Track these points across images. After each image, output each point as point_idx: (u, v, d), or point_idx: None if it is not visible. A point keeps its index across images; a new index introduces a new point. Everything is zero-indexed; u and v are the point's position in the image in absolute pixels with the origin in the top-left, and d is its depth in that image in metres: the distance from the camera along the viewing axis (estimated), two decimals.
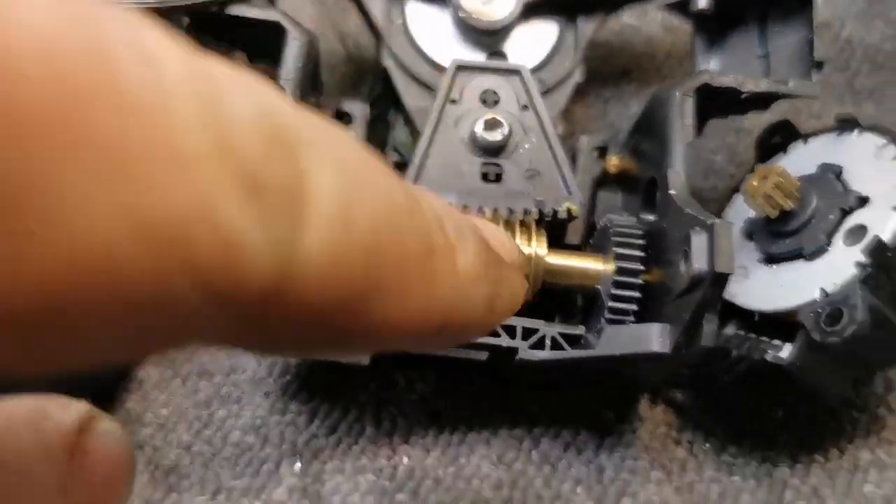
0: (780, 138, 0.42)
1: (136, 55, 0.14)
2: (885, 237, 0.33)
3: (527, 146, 0.40)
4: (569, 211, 0.38)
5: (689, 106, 0.37)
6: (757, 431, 0.39)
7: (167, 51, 0.15)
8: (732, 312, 0.38)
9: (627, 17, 0.52)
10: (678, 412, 0.40)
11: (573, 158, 0.43)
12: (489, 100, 0.41)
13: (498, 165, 0.39)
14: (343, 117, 0.42)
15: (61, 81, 0.13)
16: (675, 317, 0.33)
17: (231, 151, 0.15)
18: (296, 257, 0.17)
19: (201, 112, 0.15)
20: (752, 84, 0.38)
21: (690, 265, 0.31)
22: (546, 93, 0.44)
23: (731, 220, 0.40)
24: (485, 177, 0.39)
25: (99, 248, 0.14)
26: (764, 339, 0.36)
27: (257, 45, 0.38)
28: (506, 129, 0.39)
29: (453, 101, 0.41)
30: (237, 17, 0.37)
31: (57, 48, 0.13)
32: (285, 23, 0.37)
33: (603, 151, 0.43)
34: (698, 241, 0.31)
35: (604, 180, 0.43)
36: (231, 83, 0.16)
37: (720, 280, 0.31)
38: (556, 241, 0.40)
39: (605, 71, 0.50)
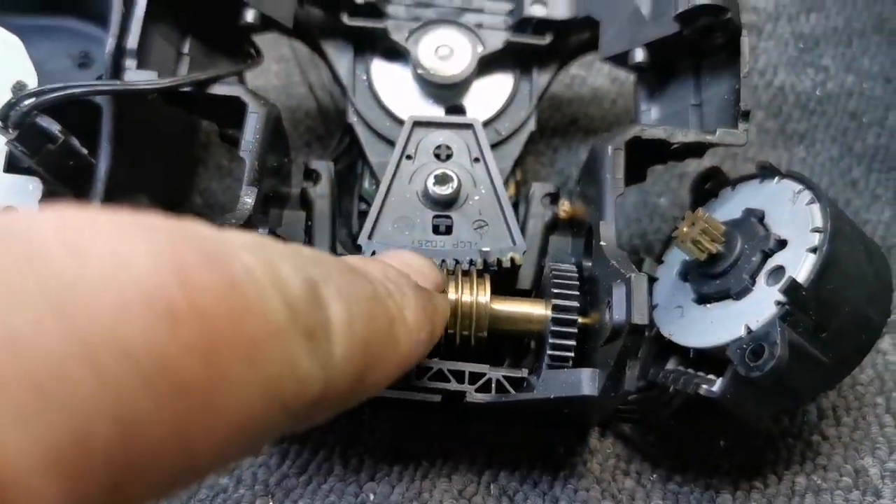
0: (712, 184, 0.42)
1: (246, 275, 0.20)
2: (800, 277, 0.34)
3: (476, 198, 0.41)
4: (512, 260, 0.39)
5: (620, 160, 0.38)
6: (701, 461, 0.40)
7: (244, 250, 0.20)
8: (672, 349, 0.38)
9: (576, 69, 0.52)
10: (626, 444, 0.40)
11: (520, 205, 0.44)
12: (442, 154, 0.42)
13: (448, 217, 0.40)
14: (311, 174, 0.42)
15: (226, 310, 0.19)
16: (603, 362, 0.34)
17: (296, 314, 0.21)
18: (332, 368, 0.22)
19: (279, 295, 0.20)
20: (681, 135, 0.39)
21: (611, 316, 0.32)
22: (501, 142, 0.45)
23: (670, 263, 0.41)
24: (436, 229, 0.40)
25: (243, 407, 0.19)
26: (700, 373, 0.37)
27: (224, 116, 0.40)
28: (455, 183, 0.40)
29: (409, 157, 0.42)
30: (206, 95, 0.38)
31: (207, 294, 0.19)
32: (245, 98, 0.38)
33: (554, 198, 0.43)
34: (619, 294, 0.32)
35: (555, 225, 0.43)
36: (277, 256, 0.21)
37: (637, 330, 0.31)
38: (508, 287, 0.41)
39: (555, 120, 0.51)
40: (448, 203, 0.40)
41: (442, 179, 0.40)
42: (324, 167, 0.42)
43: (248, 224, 0.35)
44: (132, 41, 0.37)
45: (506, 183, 0.44)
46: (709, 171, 0.43)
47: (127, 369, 0.16)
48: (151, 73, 0.37)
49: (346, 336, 0.23)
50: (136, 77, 0.37)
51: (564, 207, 0.43)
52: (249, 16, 0.40)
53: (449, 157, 0.42)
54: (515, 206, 0.44)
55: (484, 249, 0.39)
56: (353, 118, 0.44)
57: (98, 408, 0.16)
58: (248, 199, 0.36)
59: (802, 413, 0.41)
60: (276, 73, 0.53)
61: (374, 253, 0.38)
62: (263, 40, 0.51)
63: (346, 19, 0.44)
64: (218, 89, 0.38)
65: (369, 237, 0.39)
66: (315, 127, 0.51)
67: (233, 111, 0.38)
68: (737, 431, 0.40)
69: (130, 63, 0.37)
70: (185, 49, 0.40)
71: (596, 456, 0.40)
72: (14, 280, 0.16)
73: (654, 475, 0.40)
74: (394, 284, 0.28)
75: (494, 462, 0.39)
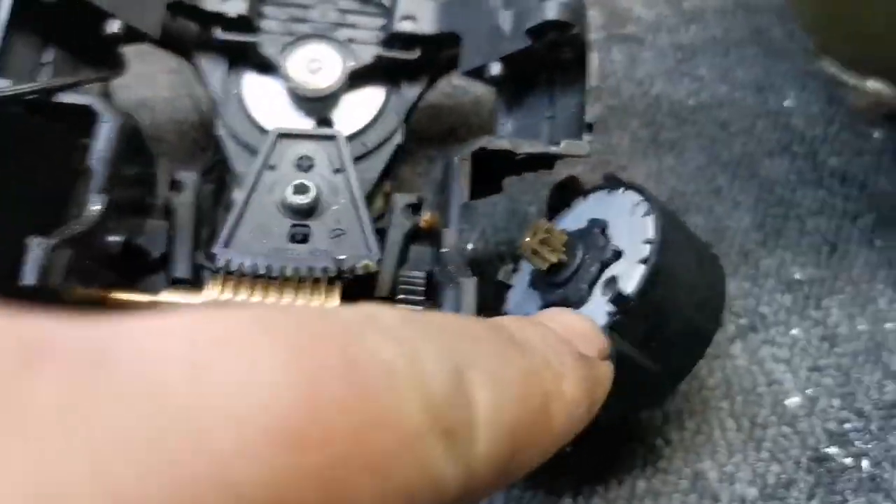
0: (568, 193, 0.43)
1: (381, 377, 0.18)
2: (630, 288, 0.35)
3: (335, 208, 0.41)
4: (366, 267, 0.39)
5: (466, 169, 0.39)
6: (544, 466, 0.40)
7: (386, 342, 0.18)
8: None
9: (457, 80, 0.53)
10: None
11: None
12: (304, 165, 0.42)
13: (306, 227, 0.40)
14: (177, 185, 0.42)
15: (356, 426, 0.17)
16: None
17: (436, 416, 0.18)
18: (473, 465, 0.19)
19: (419, 395, 0.18)
20: (527, 146, 0.40)
21: None
22: (367, 155, 0.45)
23: (524, 271, 0.42)
24: (293, 238, 0.40)
25: None
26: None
27: (83, 126, 0.39)
28: (313, 193, 0.40)
29: (271, 167, 0.42)
30: (58, 103, 0.39)
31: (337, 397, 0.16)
32: (97, 106, 0.38)
33: (416, 208, 0.44)
34: (449, 298, 0.33)
35: (417, 235, 0.44)
36: (422, 341, 0.19)
37: None
38: (366, 294, 0.41)
39: (433, 130, 0.52)
40: (306, 212, 0.41)
41: (300, 189, 0.41)
42: (189, 177, 0.43)
43: (95, 232, 0.35)
44: None
45: (373, 194, 0.45)
46: (566, 181, 0.43)
47: None
48: (6, 81, 0.37)
49: (491, 427, 0.20)
50: None
51: (426, 217, 0.43)
52: (114, 26, 0.40)
53: (311, 167, 0.42)
54: (382, 216, 0.45)
55: (339, 258, 0.40)
56: (221, 130, 0.45)
57: None
58: (93, 206, 0.36)
59: (648, 418, 0.42)
60: (165, 84, 0.53)
61: (228, 261, 0.38)
62: (153, 53, 0.52)
63: (218, 33, 0.45)
64: (70, 98, 0.39)
65: (226, 245, 0.39)
66: (200, 139, 0.51)
67: (90, 121, 0.38)
68: (583, 436, 0.41)
69: None
70: (48, 59, 0.41)
71: None
72: (125, 414, 0.14)
73: None
74: (553, 353, 0.25)
75: None
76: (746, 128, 0.53)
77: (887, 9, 0.46)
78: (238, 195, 0.42)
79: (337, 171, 0.42)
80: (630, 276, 0.35)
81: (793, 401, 0.43)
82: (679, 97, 0.54)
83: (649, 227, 0.36)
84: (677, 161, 0.51)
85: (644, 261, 0.35)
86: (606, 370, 0.30)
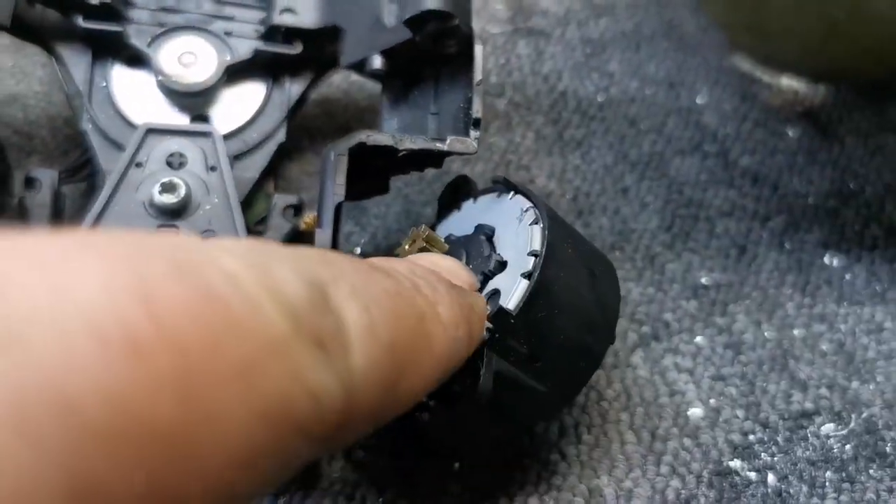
0: (459, 194, 0.40)
1: (229, 285, 0.17)
2: (511, 304, 0.32)
3: (208, 207, 0.39)
4: None
5: (342, 165, 0.36)
6: (431, 483, 0.38)
7: (228, 256, 0.18)
8: None
9: (355, 75, 0.50)
10: (356, 469, 0.38)
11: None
12: (175, 162, 0.39)
13: (175, 227, 0.37)
14: (32, 183, 0.39)
15: (206, 330, 0.16)
16: None
17: (299, 321, 0.18)
18: (353, 379, 0.19)
19: (276, 303, 0.18)
20: (409, 142, 0.37)
21: None
22: (247, 153, 0.43)
23: None
24: None
25: (241, 439, 0.16)
26: (424, 399, 0.35)
27: None
28: (182, 192, 0.38)
29: (139, 165, 0.39)
30: None
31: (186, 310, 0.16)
32: None
33: (298, 209, 0.41)
34: None
35: (298, 238, 0.41)
36: (271, 258, 0.19)
37: None
38: None
39: (327, 127, 0.49)
40: (175, 212, 0.38)
41: (169, 187, 0.38)
42: (46, 175, 0.39)
43: None
44: None
45: (254, 196, 0.42)
46: (457, 181, 0.41)
47: (71, 429, 0.13)
48: None
49: (366, 340, 0.20)
50: None
51: (306, 219, 0.41)
52: None
53: (182, 165, 0.40)
54: (264, 220, 0.42)
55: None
56: (87, 125, 0.42)
57: (40, 487, 0.13)
58: None
59: (543, 431, 0.39)
60: (40, 78, 0.50)
61: None
62: (30, 45, 0.48)
63: (80, 22, 0.42)
64: None
65: None
66: (75, 136, 0.48)
67: None
68: (472, 451, 0.38)
69: None
70: None
71: (322, 482, 0.38)
72: None
73: (381, 500, 0.37)
74: (422, 279, 0.25)
75: None
76: (656, 125, 0.50)
77: (792, 2, 0.44)
78: (100, 194, 0.39)
79: (211, 168, 0.40)
80: (512, 290, 0.32)
81: (695, 412, 0.40)
82: (587, 93, 0.52)
83: (536, 237, 0.33)
84: (583, 160, 0.49)
85: (528, 275, 0.32)
86: (480, 299, 0.30)
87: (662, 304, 0.44)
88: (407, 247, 0.35)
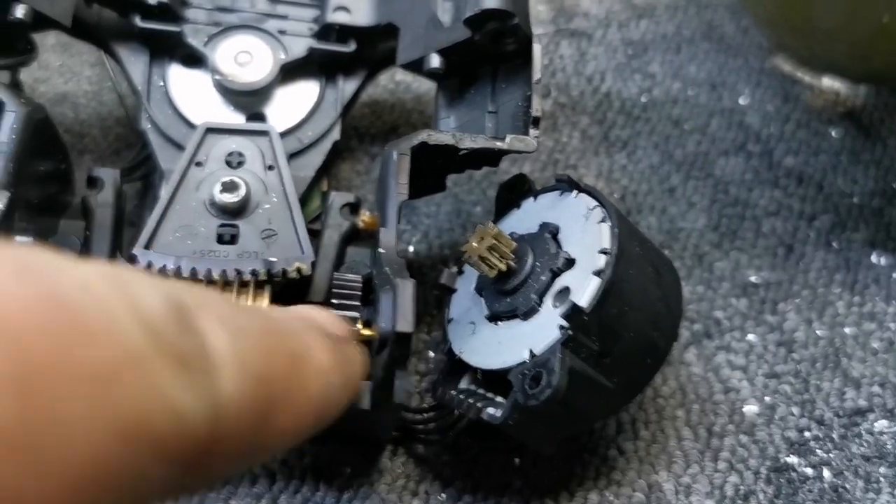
0: (516, 193, 0.41)
1: (80, 292, 0.17)
2: (583, 301, 0.32)
3: (267, 206, 0.39)
4: (298, 270, 0.37)
5: (405, 165, 0.36)
6: (493, 478, 0.38)
7: (84, 270, 0.17)
8: (465, 366, 0.37)
9: (401, 75, 0.51)
10: (419, 464, 0.39)
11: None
12: (234, 161, 0.40)
13: (235, 227, 0.38)
14: (95, 182, 0.39)
15: (52, 332, 0.16)
16: (375, 374, 0.32)
17: (158, 337, 0.18)
18: (219, 402, 0.19)
19: (133, 316, 0.17)
20: (470, 141, 0.37)
21: (380, 325, 0.30)
22: (302, 151, 0.43)
23: (469, 275, 0.39)
24: (220, 238, 0.37)
25: (90, 448, 0.16)
26: (489, 394, 0.35)
27: None
28: (243, 191, 0.38)
29: (199, 164, 0.39)
30: None
31: (35, 316, 0.16)
32: (2, 95, 0.35)
33: (354, 207, 0.41)
34: (385, 301, 0.30)
35: (355, 236, 0.41)
36: (133, 280, 0.19)
37: (403, 339, 0.30)
38: (300, 300, 0.39)
39: (374, 127, 0.49)
40: (235, 211, 0.38)
41: (229, 187, 0.38)
42: (108, 175, 0.40)
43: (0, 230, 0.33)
44: None
45: (309, 193, 0.42)
46: (514, 179, 0.41)
47: None
48: None
49: (233, 368, 0.20)
50: None
51: (364, 217, 0.41)
52: (19, 11, 0.37)
53: (241, 164, 0.40)
54: (319, 217, 0.43)
55: (270, 259, 0.37)
56: (146, 125, 0.42)
57: None
58: None
59: (601, 427, 0.40)
60: (89, 78, 0.50)
61: (150, 264, 0.36)
62: (77, 44, 0.49)
63: (138, 21, 0.42)
64: None
65: (146, 247, 0.36)
66: (126, 135, 0.48)
67: None
68: (529, 448, 0.39)
69: None
70: None
71: (385, 476, 0.38)
72: None
73: (443, 495, 0.38)
74: (297, 323, 0.25)
75: (276, 485, 0.37)
76: (700, 126, 0.51)
77: (840, 5, 0.44)
78: (162, 193, 0.40)
79: (269, 168, 0.40)
80: (583, 287, 0.33)
81: (750, 409, 0.41)
82: (630, 94, 0.52)
83: (605, 235, 0.34)
84: (629, 160, 0.49)
85: (599, 272, 0.33)
86: (355, 351, 0.29)
87: (713, 303, 0.44)
88: (475, 243, 0.35)
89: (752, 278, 0.45)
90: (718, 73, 0.53)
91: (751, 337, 0.43)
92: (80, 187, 0.40)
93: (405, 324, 0.30)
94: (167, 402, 0.17)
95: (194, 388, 0.18)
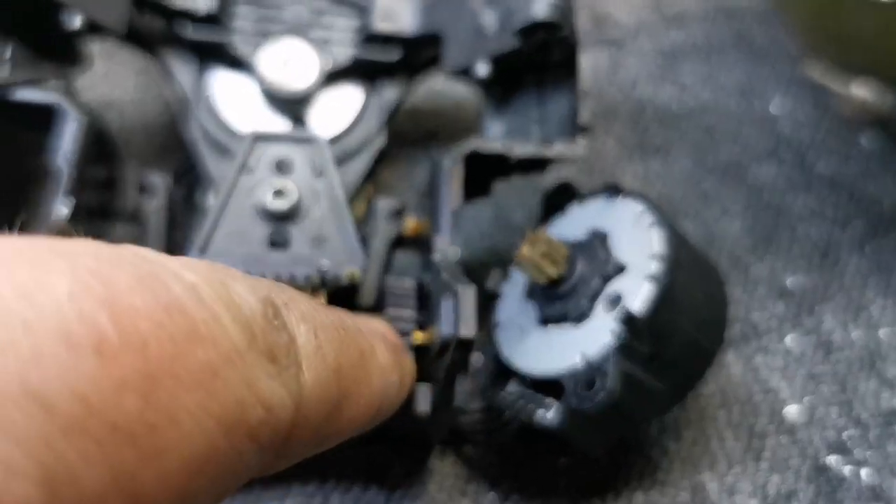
0: (561, 198, 0.41)
1: (191, 296, 0.18)
2: (636, 307, 0.33)
3: (317, 212, 0.39)
4: (351, 276, 0.37)
5: (458, 173, 0.37)
6: (540, 479, 0.39)
7: (188, 270, 0.19)
8: (514, 370, 0.37)
9: (438, 82, 0.52)
10: (467, 465, 0.39)
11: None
12: (283, 168, 0.40)
13: (286, 232, 0.39)
14: (146, 188, 0.40)
15: (168, 337, 0.17)
16: (436, 378, 0.32)
17: (254, 334, 0.19)
18: (302, 393, 0.21)
19: (232, 316, 0.19)
20: (520, 148, 0.38)
21: (439, 329, 0.31)
22: (349, 158, 0.44)
23: (516, 280, 0.40)
24: (272, 244, 0.38)
25: (200, 441, 0.17)
26: (539, 396, 0.36)
27: (42, 125, 0.37)
28: (293, 197, 0.39)
29: (248, 171, 0.40)
30: (17, 101, 0.36)
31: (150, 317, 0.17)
32: (63, 104, 0.36)
33: (399, 213, 0.42)
34: (446, 306, 0.31)
35: (401, 242, 0.42)
36: (229, 276, 0.20)
37: (464, 344, 0.30)
38: (349, 305, 0.40)
39: (415, 134, 0.50)
40: (286, 217, 0.39)
41: (280, 193, 0.39)
42: (160, 181, 0.40)
43: (62, 236, 0.33)
44: None
45: (355, 199, 0.43)
46: (559, 185, 0.42)
47: (43, 422, 0.14)
48: None
49: (315, 360, 0.22)
50: None
51: (410, 223, 0.42)
52: (75, 20, 0.38)
53: (290, 171, 0.41)
54: (364, 222, 0.43)
55: (322, 265, 0.38)
56: (193, 132, 0.43)
57: (14, 476, 0.14)
58: (62, 209, 0.34)
59: (645, 427, 0.41)
60: (135, 85, 0.51)
61: None
62: (122, 52, 0.50)
63: (188, 31, 0.43)
64: (32, 95, 0.36)
65: (201, 252, 0.37)
66: (169, 142, 0.49)
67: (53, 120, 0.36)
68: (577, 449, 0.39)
69: None
70: (7, 55, 0.38)
71: (434, 477, 0.39)
72: None
73: (492, 493, 0.39)
74: (363, 325, 0.27)
75: (327, 484, 0.38)
76: (732, 133, 0.52)
77: (875, 13, 0.45)
78: (213, 200, 0.40)
79: (318, 174, 0.41)
80: (636, 293, 0.33)
81: (790, 410, 0.42)
82: (663, 102, 0.53)
83: (655, 240, 0.34)
84: (664, 166, 0.50)
85: (651, 277, 0.34)
86: (409, 357, 0.32)
87: (749, 306, 0.45)
88: (526, 249, 0.36)
89: (789, 283, 0.46)
90: (748, 81, 0.54)
91: (788, 340, 0.44)
92: (129, 193, 0.41)
93: (468, 329, 0.30)
94: (260, 394, 0.19)
95: (282, 380, 0.20)
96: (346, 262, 0.38)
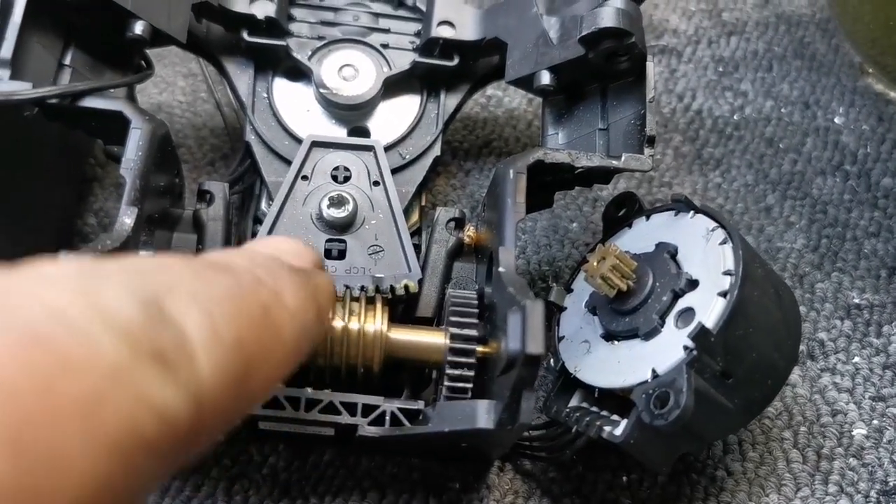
0: (625, 211, 0.41)
1: (54, 322, 0.17)
2: (709, 323, 0.33)
3: (373, 222, 0.40)
4: (406, 288, 0.38)
5: (522, 184, 0.37)
6: (601, 497, 0.39)
7: (52, 290, 0.18)
8: (577, 383, 0.37)
9: (491, 90, 0.52)
10: (526, 480, 0.39)
11: (423, 231, 0.43)
12: (340, 176, 0.41)
13: (342, 242, 0.39)
14: (205, 196, 0.40)
15: (35, 376, 0.16)
16: (500, 393, 0.32)
17: (135, 342, 0.18)
18: (200, 385, 0.19)
19: (108, 328, 0.18)
20: (586, 159, 0.38)
21: (507, 345, 0.31)
22: (404, 167, 0.44)
23: (578, 292, 0.40)
24: (328, 253, 0.39)
25: (89, 474, 0.16)
26: (604, 412, 0.36)
27: (107, 132, 0.38)
28: (350, 207, 0.39)
29: (305, 178, 0.41)
30: (84, 108, 0.36)
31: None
32: (128, 112, 0.36)
33: (459, 223, 0.42)
34: (514, 321, 0.31)
35: (460, 251, 0.42)
36: (99, 280, 0.19)
37: (532, 361, 0.30)
38: (408, 313, 0.40)
39: (468, 142, 0.50)
40: (342, 226, 0.39)
41: (337, 202, 0.39)
42: (218, 188, 0.40)
43: (127, 246, 0.34)
44: (6, 50, 0.35)
45: (409, 208, 0.43)
46: (622, 197, 0.42)
47: None
48: (26, 84, 0.35)
49: (210, 344, 0.20)
50: (8, 87, 0.35)
51: (469, 233, 0.42)
52: (138, 28, 0.38)
53: (347, 179, 0.41)
54: (419, 231, 0.44)
55: (377, 276, 0.38)
56: (250, 136, 0.43)
57: None
58: (126, 219, 0.34)
59: (707, 446, 0.40)
60: (183, 88, 0.51)
61: None
62: (170, 55, 0.50)
63: (245, 36, 0.43)
64: (98, 103, 0.36)
65: None
66: (220, 146, 0.49)
67: (116, 127, 0.36)
68: (640, 467, 0.39)
69: (3, 73, 0.35)
70: (68, 60, 0.38)
71: (493, 492, 0.39)
72: None
73: None
74: (263, 269, 0.25)
75: (387, 498, 0.38)
76: (795, 145, 0.51)
77: None
78: (270, 206, 0.40)
79: (375, 183, 0.41)
80: (708, 308, 0.33)
81: (858, 432, 0.41)
82: (722, 112, 0.53)
83: (728, 256, 0.34)
84: (724, 178, 0.50)
85: (724, 294, 0.33)
86: (325, 278, 0.30)
87: (816, 324, 0.45)
88: (595, 263, 0.36)
89: (856, 300, 0.46)
90: (812, 91, 0.54)
91: (856, 359, 0.44)
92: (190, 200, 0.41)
93: (535, 346, 0.30)
94: (152, 404, 0.18)
95: (175, 381, 0.19)
96: (402, 273, 0.38)
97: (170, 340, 0.19)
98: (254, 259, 0.26)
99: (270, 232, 0.39)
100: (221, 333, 0.21)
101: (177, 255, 0.25)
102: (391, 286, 0.38)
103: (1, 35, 0.36)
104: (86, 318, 0.18)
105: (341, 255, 0.39)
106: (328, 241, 0.39)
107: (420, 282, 0.39)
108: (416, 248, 0.43)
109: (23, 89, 0.35)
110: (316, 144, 0.41)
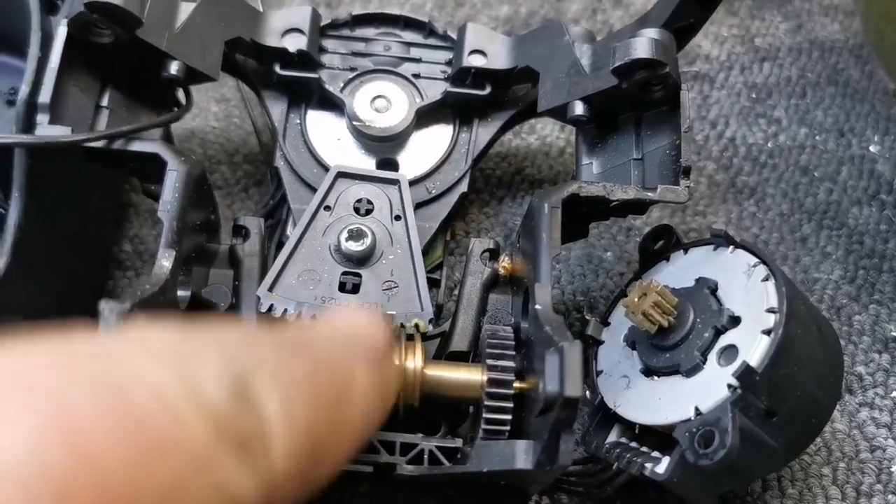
0: (662, 244, 0.42)
1: (152, 401, 0.18)
2: (753, 361, 0.33)
3: (391, 257, 0.40)
4: (417, 327, 0.38)
5: (557, 218, 0.37)
6: None
7: (153, 364, 0.19)
8: (616, 418, 0.38)
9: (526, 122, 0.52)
10: None
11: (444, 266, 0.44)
12: (362, 208, 0.41)
13: (358, 275, 0.39)
14: (240, 231, 0.41)
15: (132, 459, 0.17)
16: (538, 434, 0.33)
17: (222, 428, 0.19)
18: (273, 472, 0.20)
19: (199, 411, 0.18)
20: (621, 192, 0.39)
21: (544, 387, 0.31)
22: (430, 201, 0.44)
23: (616, 325, 0.41)
24: (342, 286, 0.39)
25: None
26: (644, 449, 0.36)
27: (145, 172, 0.39)
28: (369, 241, 0.39)
29: (328, 208, 0.41)
30: (121, 151, 0.37)
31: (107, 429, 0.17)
32: (164, 154, 0.37)
33: (494, 254, 0.42)
34: (551, 363, 0.31)
35: (495, 282, 0.42)
36: (196, 359, 0.20)
37: (571, 403, 0.30)
38: (442, 347, 0.40)
39: (500, 170, 0.51)
40: (360, 260, 0.39)
41: (356, 235, 0.39)
42: (254, 224, 0.41)
43: (165, 289, 0.34)
44: (45, 95, 0.36)
45: (432, 243, 0.44)
46: (659, 230, 0.42)
47: None
48: (65, 129, 0.36)
49: (285, 431, 0.21)
50: (48, 132, 0.36)
51: (504, 264, 0.42)
52: (173, 68, 0.39)
53: (369, 212, 0.41)
54: (440, 266, 0.44)
55: (390, 312, 0.38)
56: (279, 162, 0.44)
57: None
58: (165, 262, 0.34)
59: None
60: (216, 114, 0.52)
61: (271, 307, 0.37)
62: None
63: (278, 70, 0.44)
64: (135, 146, 0.37)
65: (270, 289, 0.38)
66: (254, 172, 0.50)
67: (153, 167, 0.37)
68: (679, 503, 0.40)
69: (42, 118, 0.36)
70: (105, 101, 0.39)
71: None
72: None
73: None
74: (341, 349, 0.26)
75: None
76: (830, 174, 0.52)
77: None
78: (291, 234, 0.41)
79: (396, 218, 0.41)
80: (752, 346, 0.34)
81: None
82: (756, 139, 0.53)
83: (771, 293, 0.35)
84: (759, 207, 0.50)
85: (768, 332, 0.34)
86: (393, 365, 0.30)
87: (854, 357, 0.45)
88: (636, 299, 0.37)
89: (893, 333, 0.46)
90: (846, 118, 0.55)
91: (895, 393, 0.44)
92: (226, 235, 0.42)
93: (573, 388, 0.30)
94: (228, 492, 0.19)
95: (251, 469, 0.20)
96: (414, 312, 0.38)
97: (251, 427, 0.20)
98: (333, 338, 0.27)
99: (287, 261, 0.39)
100: (297, 419, 0.21)
101: (261, 328, 0.26)
102: (402, 324, 0.38)
103: (39, 80, 0.36)
104: (182, 399, 0.18)
105: (356, 288, 0.39)
106: (343, 273, 0.39)
107: (431, 321, 0.39)
108: (437, 283, 0.43)
109: (62, 134, 0.36)
110: (341, 175, 0.42)
